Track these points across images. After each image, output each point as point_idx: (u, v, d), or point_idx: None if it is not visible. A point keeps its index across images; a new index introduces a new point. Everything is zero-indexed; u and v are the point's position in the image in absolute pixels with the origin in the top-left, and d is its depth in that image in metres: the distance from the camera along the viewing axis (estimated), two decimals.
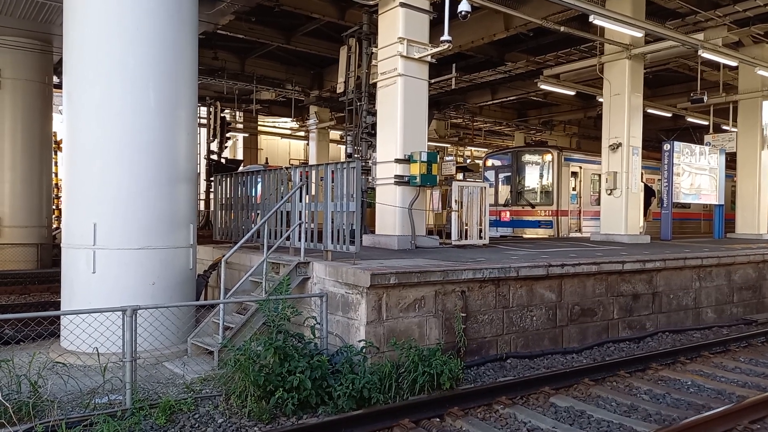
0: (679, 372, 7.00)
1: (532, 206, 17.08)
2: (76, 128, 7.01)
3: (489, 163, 18.78)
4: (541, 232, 16.78)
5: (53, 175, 16.56)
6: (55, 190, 17.60)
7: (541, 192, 17.17)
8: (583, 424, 5.24)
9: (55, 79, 15.80)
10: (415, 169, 9.35)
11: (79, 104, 6.97)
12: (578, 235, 16.86)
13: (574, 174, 17.32)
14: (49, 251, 14.89)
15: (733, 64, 14.12)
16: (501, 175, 18.13)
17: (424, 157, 9.34)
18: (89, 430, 4.60)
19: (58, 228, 16.44)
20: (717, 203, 16.56)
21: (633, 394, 6.13)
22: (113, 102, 6.80)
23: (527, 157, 17.62)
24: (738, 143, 16.79)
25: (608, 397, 5.97)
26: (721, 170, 16.27)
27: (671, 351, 7.66)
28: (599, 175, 17.82)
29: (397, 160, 9.49)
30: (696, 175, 15.50)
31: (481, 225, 10.35)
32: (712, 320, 10.01)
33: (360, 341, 6.01)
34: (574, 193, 17.22)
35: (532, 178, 17.51)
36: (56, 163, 17.51)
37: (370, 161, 11.20)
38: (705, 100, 15.15)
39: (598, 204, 17.66)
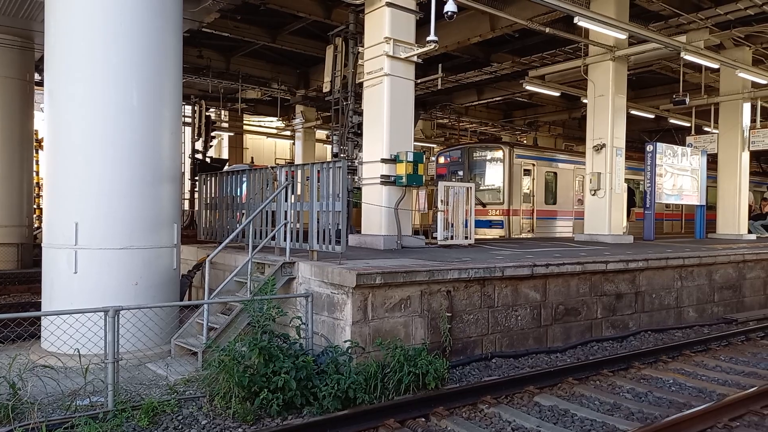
0: (661, 371, 7.08)
1: (483, 205, 16.06)
2: (57, 127, 6.91)
3: (441, 160, 17.86)
4: (492, 233, 16.03)
5: (34, 173, 16.28)
6: (36, 189, 17.31)
7: (491, 190, 16.42)
8: (567, 422, 5.28)
9: (37, 77, 15.55)
10: (401, 169, 9.35)
11: (60, 102, 6.87)
12: (531, 235, 16.20)
13: (527, 172, 16.59)
14: (30, 251, 14.65)
15: (715, 66, 14.32)
16: (452, 173, 17.17)
17: (411, 157, 9.35)
18: None
19: (39, 227, 16.20)
20: (699, 204, 16.79)
21: (616, 393, 6.19)
22: (96, 100, 6.71)
23: (478, 154, 16.90)
24: (719, 145, 17.04)
25: (591, 395, 6.03)
26: (702, 171, 16.50)
27: (653, 350, 7.75)
28: (555, 173, 17.31)
29: (384, 160, 9.49)
30: (678, 176, 15.70)
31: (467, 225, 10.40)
32: (693, 319, 10.15)
33: (345, 341, 6.00)
34: (528, 191, 16.62)
35: (481, 176, 16.73)
36: (37, 161, 17.22)
37: (356, 161, 11.19)
38: (687, 102, 15.37)
39: (554, 203, 17.23)
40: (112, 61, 6.73)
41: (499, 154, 16.33)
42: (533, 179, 16.76)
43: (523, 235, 16.08)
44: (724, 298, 10.86)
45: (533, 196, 16.74)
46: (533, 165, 16.77)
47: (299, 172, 7.63)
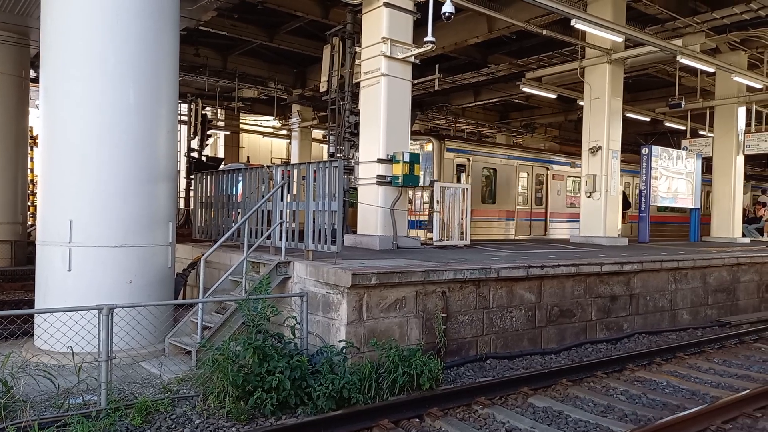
0: (655, 373, 7.10)
1: (412, 204, 13.78)
2: (53, 124, 6.88)
3: None
4: (421, 234, 13.42)
5: (29, 171, 16.19)
6: (31, 186, 17.23)
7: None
8: (561, 424, 5.29)
9: (32, 73, 15.47)
10: (398, 170, 9.36)
11: (56, 100, 6.84)
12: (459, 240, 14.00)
13: (461, 167, 15.05)
14: (24, 248, 14.58)
15: (711, 70, 14.39)
16: None
17: (407, 158, 9.36)
18: (63, 431, 4.52)
19: (33, 225, 16.11)
20: (693, 207, 16.86)
21: (610, 395, 6.20)
22: (92, 98, 6.68)
23: None
24: (714, 148, 17.12)
25: (585, 397, 6.04)
26: (697, 174, 16.56)
27: (647, 352, 7.78)
28: (494, 170, 15.88)
29: (380, 160, 9.49)
30: (673, 179, 15.75)
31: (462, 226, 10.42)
32: (687, 322, 10.18)
33: (340, 341, 6.00)
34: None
35: None
36: (32, 158, 17.13)
37: (352, 161, 11.18)
38: (683, 106, 15.44)
39: (493, 202, 15.92)
40: (109, 59, 6.70)
41: (428, 147, 14.63)
42: (468, 175, 15.19)
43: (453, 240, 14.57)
44: (718, 301, 10.91)
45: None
46: (468, 160, 15.19)
47: (295, 171, 7.62)
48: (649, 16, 13.73)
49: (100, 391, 5.02)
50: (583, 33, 12.78)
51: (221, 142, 28.41)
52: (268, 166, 8.22)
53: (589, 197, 13.57)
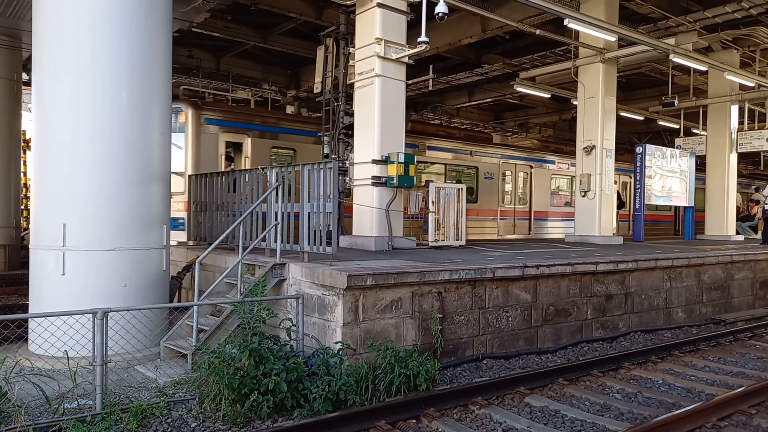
0: (651, 371, 7.12)
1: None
2: (45, 127, 6.84)
3: None
4: (176, 235, 10.01)
5: (22, 174, 16.12)
6: (24, 189, 17.15)
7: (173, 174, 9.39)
8: (558, 423, 5.29)
9: (25, 76, 15.41)
10: (393, 170, 9.36)
11: (48, 102, 6.80)
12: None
13: (237, 148, 11.21)
14: (17, 252, 14.50)
15: (703, 68, 14.46)
16: None
17: (402, 158, 9.36)
18: None
19: (26, 229, 16.03)
20: (687, 205, 16.93)
21: (606, 394, 6.21)
22: (84, 100, 6.64)
23: None
24: (707, 146, 17.20)
25: (582, 396, 6.05)
26: (691, 173, 16.63)
27: (643, 350, 7.79)
28: (293, 150, 12.60)
29: (375, 161, 9.48)
30: (667, 177, 15.82)
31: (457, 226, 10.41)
32: (682, 320, 10.21)
33: (336, 343, 5.98)
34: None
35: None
36: (25, 162, 17.06)
37: (347, 162, 11.16)
38: (676, 104, 15.52)
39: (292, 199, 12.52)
40: (101, 60, 6.66)
41: (182, 118, 10.91)
42: (246, 159, 11.39)
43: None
44: (713, 298, 10.95)
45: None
46: (248, 137, 11.42)
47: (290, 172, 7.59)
48: (642, 15, 13.79)
49: (95, 396, 4.99)
50: (577, 32, 12.82)
51: None
52: (263, 168, 8.19)
53: (583, 196, 13.61)
